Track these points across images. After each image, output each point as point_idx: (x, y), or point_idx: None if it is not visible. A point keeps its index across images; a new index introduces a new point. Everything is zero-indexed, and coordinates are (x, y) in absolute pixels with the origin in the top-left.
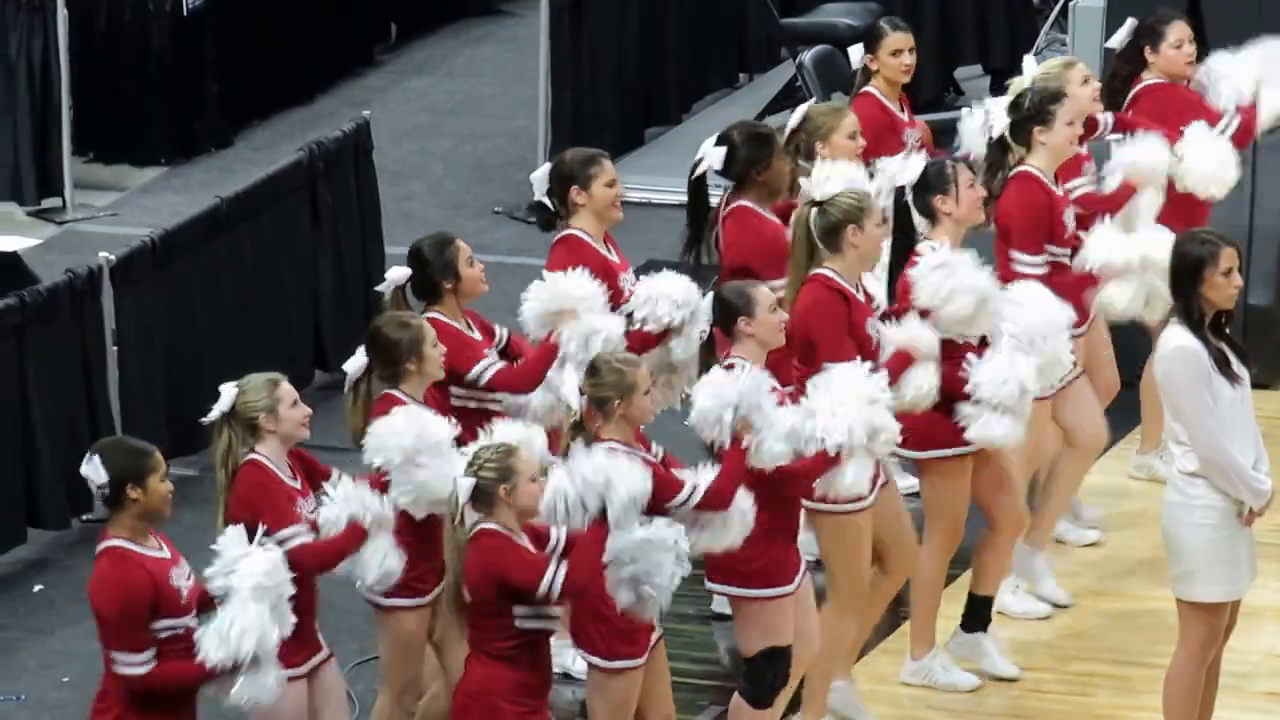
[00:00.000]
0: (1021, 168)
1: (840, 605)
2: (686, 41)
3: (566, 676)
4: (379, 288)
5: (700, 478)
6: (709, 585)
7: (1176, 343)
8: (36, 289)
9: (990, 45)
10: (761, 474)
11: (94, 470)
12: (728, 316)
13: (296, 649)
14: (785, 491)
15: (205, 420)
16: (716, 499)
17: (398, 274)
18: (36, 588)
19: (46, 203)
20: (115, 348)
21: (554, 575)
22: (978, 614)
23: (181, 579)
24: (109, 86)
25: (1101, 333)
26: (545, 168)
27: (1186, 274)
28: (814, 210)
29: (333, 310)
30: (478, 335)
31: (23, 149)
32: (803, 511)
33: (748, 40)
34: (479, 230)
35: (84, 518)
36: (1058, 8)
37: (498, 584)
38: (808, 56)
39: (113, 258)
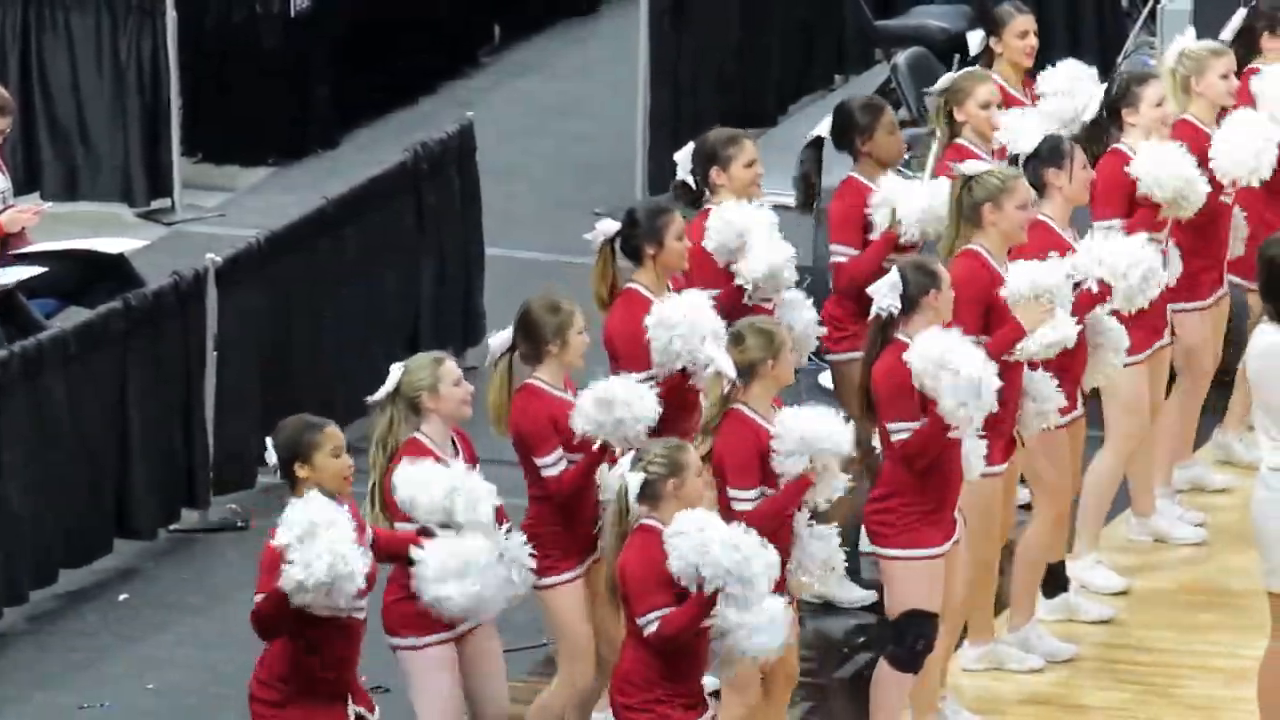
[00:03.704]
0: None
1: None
2: (785, 42)
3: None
4: (587, 236)
5: None
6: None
7: (1268, 341)
8: (142, 292)
9: (1081, 48)
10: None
11: (269, 451)
12: (917, 290)
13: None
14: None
15: (371, 400)
16: None
17: (606, 226)
18: (121, 596)
19: (156, 204)
20: (215, 353)
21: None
22: (1056, 580)
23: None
24: (218, 88)
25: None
26: (689, 147)
27: (1275, 279)
28: (963, 185)
29: (432, 311)
30: None
31: (132, 150)
32: None
33: (845, 41)
34: (581, 230)
35: (171, 528)
36: (1146, 10)
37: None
38: (901, 58)
39: (218, 259)
